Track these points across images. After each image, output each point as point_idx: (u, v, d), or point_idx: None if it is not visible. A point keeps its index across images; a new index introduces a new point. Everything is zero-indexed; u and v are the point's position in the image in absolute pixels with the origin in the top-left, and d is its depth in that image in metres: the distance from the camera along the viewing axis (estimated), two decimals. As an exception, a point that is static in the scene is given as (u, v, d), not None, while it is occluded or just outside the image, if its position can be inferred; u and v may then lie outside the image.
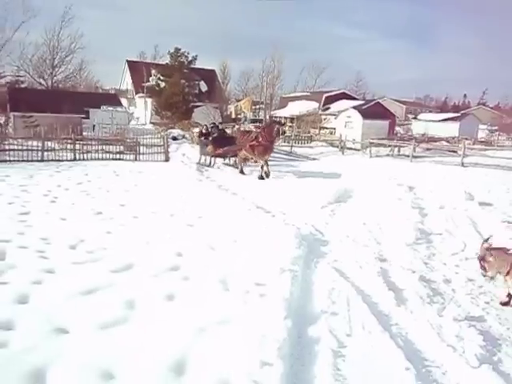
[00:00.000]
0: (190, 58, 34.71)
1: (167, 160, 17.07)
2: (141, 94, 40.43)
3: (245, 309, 3.98)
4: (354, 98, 39.15)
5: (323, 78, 53.81)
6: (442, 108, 68.66)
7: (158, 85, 34.47)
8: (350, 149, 25.65)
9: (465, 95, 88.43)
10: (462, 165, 17.92)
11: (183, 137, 27.07)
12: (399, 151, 23.87)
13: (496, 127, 41.16)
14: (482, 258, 4.46)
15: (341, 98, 37.36)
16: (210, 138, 15.63)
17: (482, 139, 33.41)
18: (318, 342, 3.54)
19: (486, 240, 4.61)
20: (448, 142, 28.39)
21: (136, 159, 16.79)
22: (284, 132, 11.77)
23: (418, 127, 38.13)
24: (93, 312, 3.76)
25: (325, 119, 35.62)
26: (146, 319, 3.70)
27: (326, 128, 34.19)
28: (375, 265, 5.54)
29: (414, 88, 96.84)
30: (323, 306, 4.23)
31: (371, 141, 23.90)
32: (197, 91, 37.48)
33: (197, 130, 26.55)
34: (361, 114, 30.80)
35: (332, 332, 3.69)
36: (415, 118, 41.97)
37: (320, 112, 36.07)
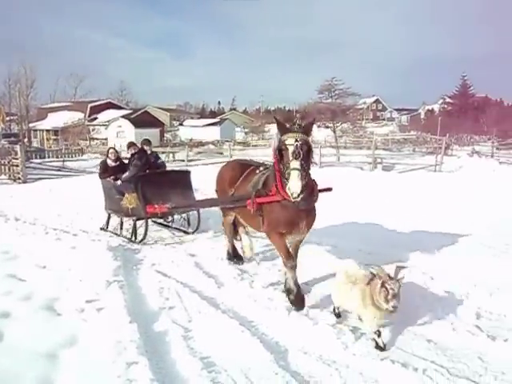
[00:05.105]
0: None
1: None
2: None
3: (88, 325, 4.04)
4: (121, 108, 39.09)
5: (84, 87, 51.00)
6: (202, 114, 75.13)
7: None
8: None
9: (219, 102, 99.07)
10: (231, 164, 20.56)
11: None
12: (174, 157, 25.43)
13: (247, 129, 48.03)
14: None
15: (107, 108, 36.76)
16: (126, 175, 7.51)
17: (240, 140, 38.54)
18: (167, 333, 3.97)
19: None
20: (214, 145, 31.70)
21: None
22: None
23: (184, 133, 40.98)
24: None
25: (93, 130, 34.37)
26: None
27: (97, 139, 33.07)
28: (189, 260, 6.22)
29: (175, 95, 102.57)
30: (159, 304, 4.65)
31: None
32: None
33: None
34: (132, 123, 31.12)
35: (175, 322, 4.19)
36: (181, 125, 44.88)
37: (87, 123, 34.58)
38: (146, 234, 7.16)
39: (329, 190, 5.48)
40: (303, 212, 4.54)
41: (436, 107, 63.24)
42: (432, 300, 4.58)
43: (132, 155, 7.86)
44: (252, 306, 4.63)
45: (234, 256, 6.17)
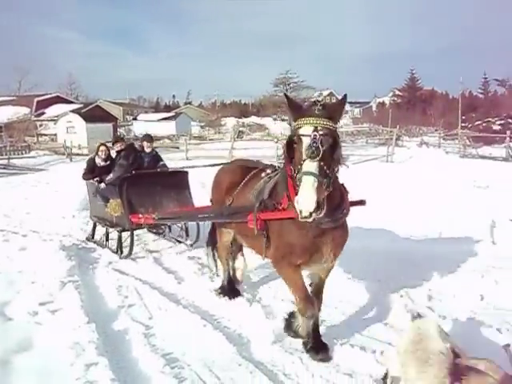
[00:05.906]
0: None
1: None
2: None
3: (43, 328, 3.88)
4: (71, 102, 37.52)
5: (30, 80, 47.83)
6: (156, 108, 73.45)
7: None
8: (78, 155, 24.80)
9: (173, 96, 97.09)
10: (187, 159, 20.33)
11: None
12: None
13: (204, 123, 47.56)
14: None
15: (56, 102, 35.15)
16: (110, 177, 6.33)
17: (196, 134, 38.13)
18: (127, 332, 3.89)
19: None
20: (170, 139, 31.17)
21: None
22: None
23: (138, 128, 39.86)
24: None
25: (41, 125, 32.78)
26: None
27: (45, 135, 31.58)
28: (148, 257, 6.11)
29: (128, 89, 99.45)
30: (118, 302, 4.54)
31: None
32: None
33: None
34: (82, 117, 29.99)
35: (135, 320, 4.10)
36: (135, 119, 43.68)
37: (34, 118, 32.90)
38: (132, 247, 6.09)
39: (361, 203, 3.86)
40: (327, 232, 3.17)
41: (387, 100, 65.27)
42: (392, 286, 4.75)
43: (118, 153, 6.80)
44: (213, 299, 4.62)
45: (230, 290, 4.65)
